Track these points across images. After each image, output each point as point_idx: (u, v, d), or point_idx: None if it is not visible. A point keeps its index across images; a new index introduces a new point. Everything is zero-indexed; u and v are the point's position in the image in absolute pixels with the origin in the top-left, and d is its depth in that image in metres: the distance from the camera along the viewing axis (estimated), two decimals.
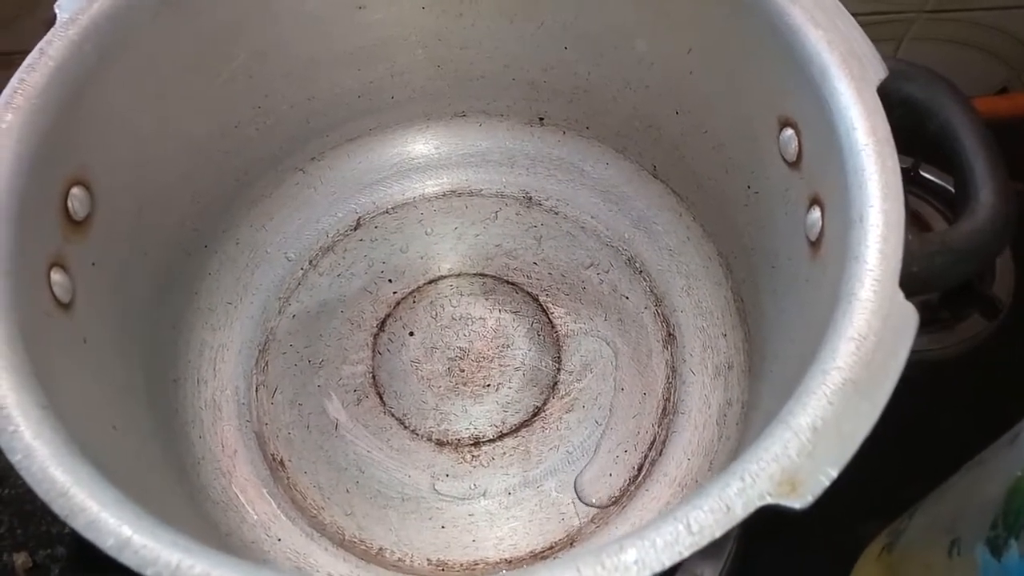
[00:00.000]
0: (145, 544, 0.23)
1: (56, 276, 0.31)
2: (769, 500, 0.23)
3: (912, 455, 0.44)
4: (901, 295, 0.26)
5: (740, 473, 0.24)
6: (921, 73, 0.34)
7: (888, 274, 0.27)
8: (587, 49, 0.43)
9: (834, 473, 0.23)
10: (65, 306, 0.32)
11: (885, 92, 0.31)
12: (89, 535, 0.23)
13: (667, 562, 0.23)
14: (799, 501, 0.23)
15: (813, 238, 0.32)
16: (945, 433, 0.46)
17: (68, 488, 0.24)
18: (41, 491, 0.24)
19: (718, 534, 0.23)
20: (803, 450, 0.24)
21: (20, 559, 0.44)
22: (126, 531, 0.23)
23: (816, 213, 0.32)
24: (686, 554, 0.23)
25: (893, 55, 0.31)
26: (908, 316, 0.26)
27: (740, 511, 0.23)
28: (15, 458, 0.24)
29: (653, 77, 0.42)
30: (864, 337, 0.25)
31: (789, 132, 0.34)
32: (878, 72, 0.31)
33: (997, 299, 0.51)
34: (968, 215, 0.31)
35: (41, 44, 0.32)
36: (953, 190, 0.34)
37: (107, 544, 0.23)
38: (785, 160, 0.35)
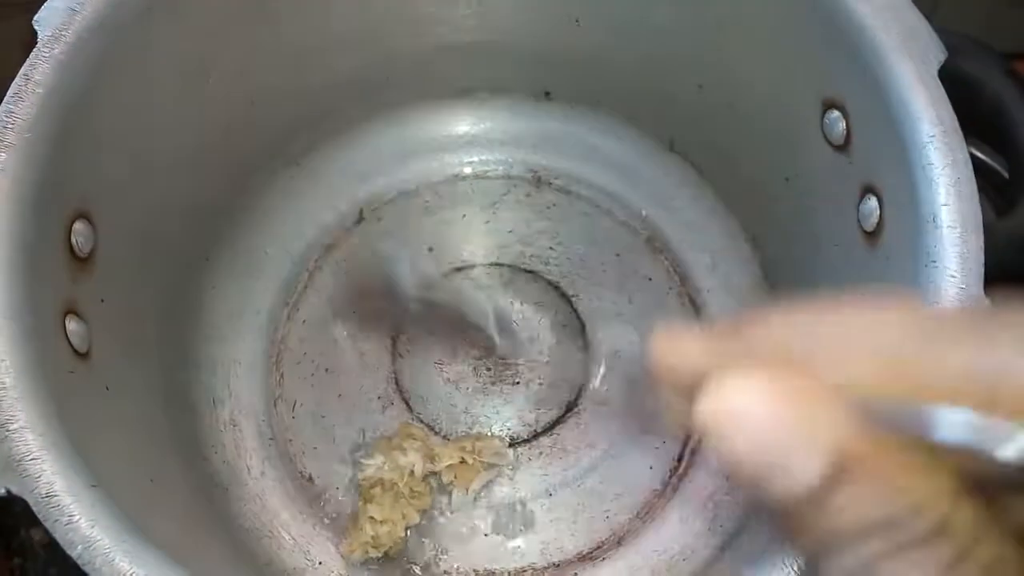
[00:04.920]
0: None
1: (72, 325, 0.29)
2: None
3: None
4: (987, 301, 0.25)
5: None
6: (968, 45, 0.33)
7: (972, 279, 0.26)
8: (600, 19, 0.41)
9: None
10: (83, 356, 0.29)
11: None
12: None
13: None
14: None
15: (869, 228, 0.31)
16: None
17: None
18: None
19: None
20: None
21: (38, 535, 0.42)
22: None
23: (872, 203, 0.31)
24: None
25: (929, 15, 0.29)
26: None
27: None
28: (74, 551, 0.22)
29: (674, 50, 0.40)
30: None
31: (835, 114, 0.33)
32: (937, 54, 0.29)
33: None
34: None
35: (25, 69, 0.29)
36: (1003, 172, 0.33)
37: None
38: (830, 143, 0.33)
